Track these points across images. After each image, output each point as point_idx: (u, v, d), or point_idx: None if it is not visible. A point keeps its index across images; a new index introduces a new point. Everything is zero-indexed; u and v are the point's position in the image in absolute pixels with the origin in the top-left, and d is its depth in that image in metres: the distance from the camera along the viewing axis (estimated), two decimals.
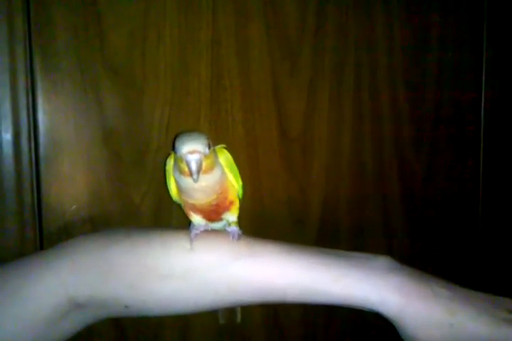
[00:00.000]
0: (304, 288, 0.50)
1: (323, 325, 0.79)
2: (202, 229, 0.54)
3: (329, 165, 0.77)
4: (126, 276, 0.51)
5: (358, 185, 0.79)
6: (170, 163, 0.54)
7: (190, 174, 0.47)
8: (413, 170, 0.83)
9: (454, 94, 0.84)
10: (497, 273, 0.87)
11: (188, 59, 0.69)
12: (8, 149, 0.62)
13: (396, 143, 0.81)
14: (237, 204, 0.55)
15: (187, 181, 0.49)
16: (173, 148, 0.49)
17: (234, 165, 0.54)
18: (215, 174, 0.51)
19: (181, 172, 0.50)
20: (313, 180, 0.76)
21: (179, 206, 0.58)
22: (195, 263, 0.52)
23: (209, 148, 0.49)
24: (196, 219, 0.55)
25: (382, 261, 0.51)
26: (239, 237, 0.53)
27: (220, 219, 0.55)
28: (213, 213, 0.54)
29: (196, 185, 0.49)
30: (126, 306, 0.52)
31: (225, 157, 0.53)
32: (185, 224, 0.57)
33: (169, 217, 0.69)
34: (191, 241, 0.52)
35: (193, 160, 0.47)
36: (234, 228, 0.54)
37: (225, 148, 0.54)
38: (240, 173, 0.55)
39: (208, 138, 0.49)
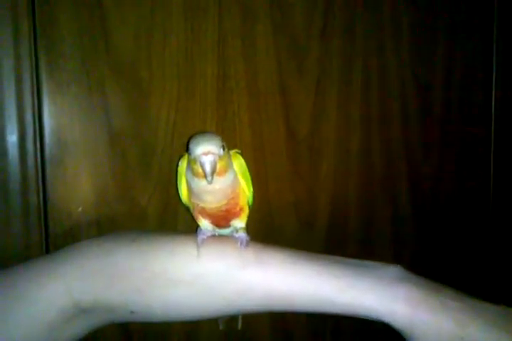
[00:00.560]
0: (311, 298, 0.50)
1: (330, 330, 0.78)
2: (209, 234, 0.54)
3: (337, 166, 0.77)
4: (133, 282, 0.51)
5: (366, 186, 0.79)
6: (183, 164, 0.53)
7: (205, 175, 0.47)
8: (422, 171, 0.82)
9: (464, 95, 0.84)
10: (509, 280, 0.86)
11: (194, 60, 0.68)
12: (13, 151, 0.62)
13: (405, 144, 0.80)
14: (246, 211, 0.55)
15: (200, 183, 0.49)
16: (187, 149, 0.49)
17: (247, 172, 0.53)
18: (228, 177, 0.51)
19: (194, 173, 0.49)
20: (321, 182, 0.76)
21: (185, 208, 0.57)
22: (202, 270, 0.51)
23: (223, 149, 0.48)
24: (204, 223, 0.54)
25: (391, 271, 0.50)
26: (247, 244, 0.52)
27: (228, 226, 0.55)
28: (222, 219, 0.54)
29: (209, 188, 0.49)
30: (132, 312, 0.51)
31: (238, 162, 0.53)
32: (192, 226, 0.56)
33: (175, 219, 0.69)
34: (198, 247, 0.52)
35: (207, 161, 0.47)
36: (242, 234, 0.53)
37: (240, 153, 0.54)
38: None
39: (222, 140, 0.49)
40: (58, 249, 0.56)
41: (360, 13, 0.76)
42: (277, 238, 0.73)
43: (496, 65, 0.84)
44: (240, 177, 0.53)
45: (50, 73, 0.62)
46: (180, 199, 0.56)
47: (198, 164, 0.47)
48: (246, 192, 0.54)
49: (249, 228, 0.55)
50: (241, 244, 0.52)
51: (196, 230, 0.54)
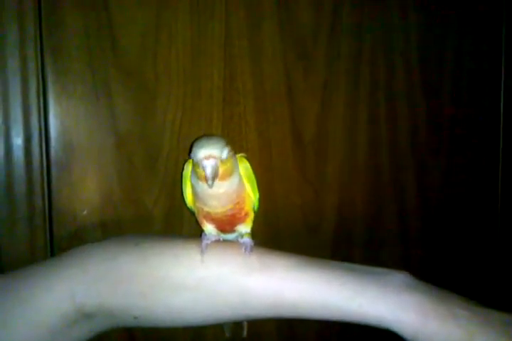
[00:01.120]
0: (317, 305, 0.49)
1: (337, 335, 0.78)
2: (213, 239, 0.53)
3: (344, 169, 0.76)
4: (136, 286, 0.51)
5: (373, 189, 0.78)
6: (188, 168, 0.53)
7: (206, 179, 0.47)
8: (430, 173, 0.81)
9: (472, 96, 0.82)
10: None
11: (201, 61, 0.68)
12: (19, 154, 0.61)
13: (413, 146, 0.79)
14: (251, 217, 0.54)
15: (204, 187, 0.49)
16: (190, 152, 0.49)
17: (253, 176, 0.53)
18: (233, 182, 0.50)
19: (198, 177, 0.49)
20: (327, 185, 0.75)
21: (191, 213, 0.57)
22: (206, 275, 0.51)
23: (228, 153, 0.48)
24: (208, 228, 0.54)
25: (399, 278, 0.49)
26: (251, 249, 0.52)
27: (233, 231, 0.54)
28: (227, 224, 0.53)
29: (213, 192, 0.49)
30: (135, 317, 0.51)
31: (244, 166, 0.52)
32: (197, 229, 0.56)
33: (181, 222, 0.68)
34: (202, 252, 0.51)
35: (208, 165, 0.46)
36: (247, 240, 0.53)
37: (245, 157, 0.53)
38: None
39: (227, 144, 0.49)
40: (63, 252, 0.55)
41: (368, 15, 0.75)
42: (284, 241, 0.72)
43: (505, 67, 0.83)
44: (245, 181, 0.52)
45: (56, 75, 0.62)
46: (185, 204, 0.56)
47: (201, 168, 0.47)
48: (251, 196, 0.53)
49: (255, 231, 0.55)
50: (245, 249, 0.52)
51: (201, 235, 0.54)
